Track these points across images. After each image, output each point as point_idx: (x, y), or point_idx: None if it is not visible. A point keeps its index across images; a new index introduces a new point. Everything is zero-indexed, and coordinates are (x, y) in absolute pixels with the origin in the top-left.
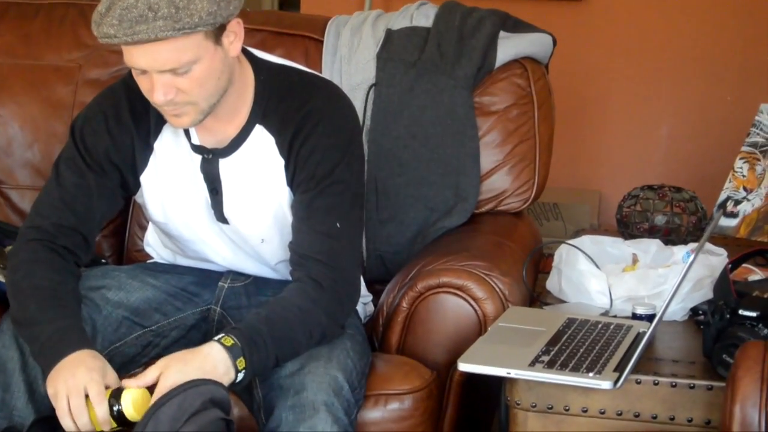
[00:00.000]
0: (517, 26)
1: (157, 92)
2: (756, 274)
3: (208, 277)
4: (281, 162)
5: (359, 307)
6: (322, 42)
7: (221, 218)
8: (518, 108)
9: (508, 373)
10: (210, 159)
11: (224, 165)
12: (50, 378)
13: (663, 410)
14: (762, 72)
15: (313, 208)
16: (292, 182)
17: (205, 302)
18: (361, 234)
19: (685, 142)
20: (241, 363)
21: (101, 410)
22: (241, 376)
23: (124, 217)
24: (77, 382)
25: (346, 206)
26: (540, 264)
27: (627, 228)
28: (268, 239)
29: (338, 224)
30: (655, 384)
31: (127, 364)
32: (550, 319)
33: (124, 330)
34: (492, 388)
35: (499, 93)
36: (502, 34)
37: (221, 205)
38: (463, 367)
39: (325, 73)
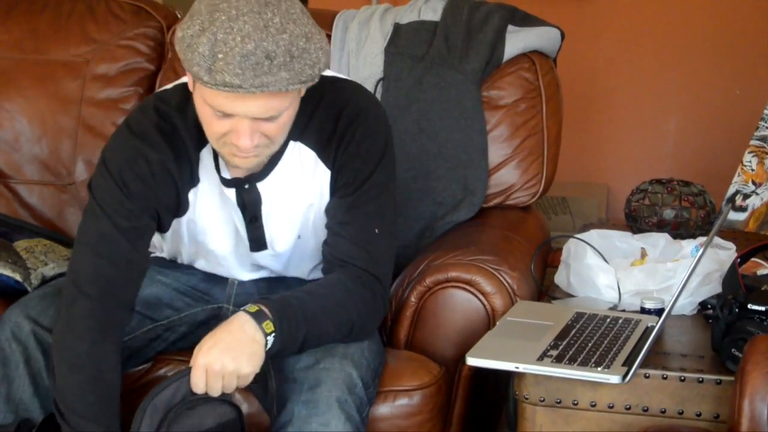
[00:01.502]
0: (525, 20)
1: (244, 138)
2: (765, 268)
3: (218, 274)
4: (328, 173)
5: None
6: (329, 36)
7: (259, 246)
8: (526, 102)
9: (517, 368)
10: (248, 188)
11: (264, 186)
12: None
13: (672, 404)
14: None
15: (353, 213)
16: (334, 189)
17: (216, 300)
18: (395, 237)
19: (693, 136)
20: (269, 326)
21: None
22: (270, 340)
23: None
24: None
25: (383, 210)
26: (548, 258)
27: (635, 222)
28: (304, 235)
29: (377, 230)
30: (664, 378)
31: (132, 357)
32: (558, 314)
33: (134, 324)
34: (500, 383)
35: (507, 87)
36: (510, 27)
37: (262, 231)
38: (472, 361)
39: (333, 68)
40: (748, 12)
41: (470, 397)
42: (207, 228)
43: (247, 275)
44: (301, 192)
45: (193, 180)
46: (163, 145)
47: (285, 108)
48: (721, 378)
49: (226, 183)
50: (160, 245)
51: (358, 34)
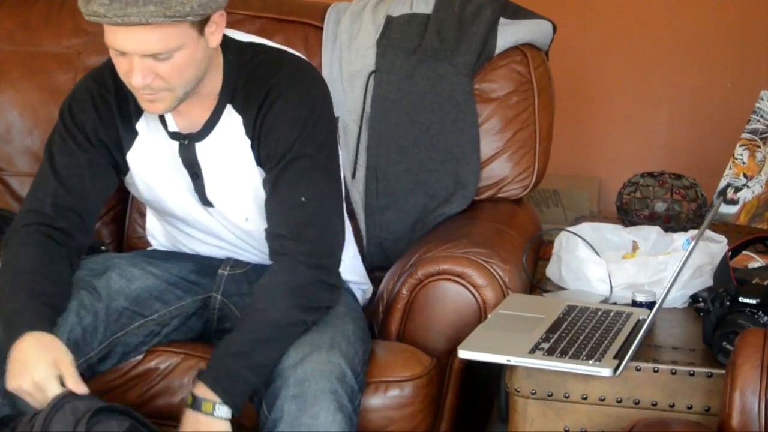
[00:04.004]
0: (517, 13)
1: (136, 75)
2: (756, 261)
3: (208, 265)
4: (248, 142)
5: (358, 293)
6: (321, 29)
7: (206, 202)
8: (518, 95)
9: (508, 361)
10: (187, 144)
11: (201, 148)
12: (9, 374)
13: (663, 397)
14: (762, 58)
15: (277, 185)
16: (259, 161)
17: (205, 290)
18: (336, 205)
19: (685, 129)
20: (207, 407)
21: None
22: (220, 411)
23: (124, 204)
24: (37, 383)
25: (310, 179)
26: (540, 251)
27: (627, 215)
28: (251, 218)
29: (303, 198)
30: (655, 371)
31: (129, 353)
32: (549, 306)
33: (124, 320)
34: (492, 375)
35: (499, 80)
36: (502, 20)
37: (203, 189)
38: (463, 354)
39: (325, 60)
40: (739, 4)
41: (462, 389)
42: (159, 180)
43: (227, 244)
44: (237, 158)
45: (132, 126)
46: (108, 79)
47: (173, 48)
48: (712, 371)
49: (171, 135)
50: (153, 233)
51: (350, 27)
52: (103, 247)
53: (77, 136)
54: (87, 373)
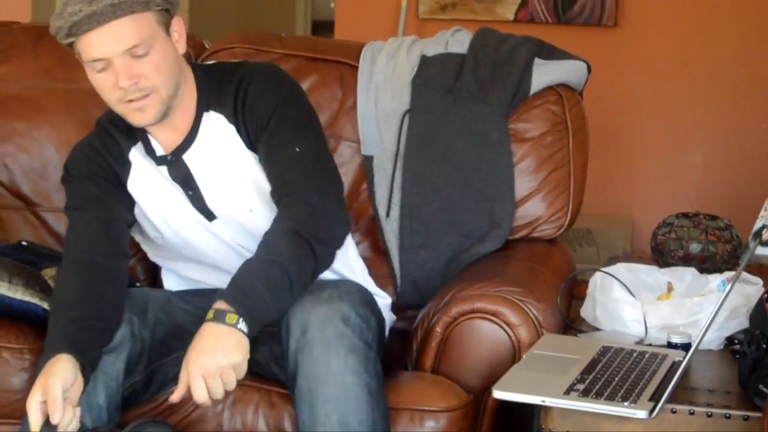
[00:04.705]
0: (552, 53)
1: (122, 77)
2: None
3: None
4: (232, 129)
5: (386, 313)
6: (357, 68)
7: (209, 215)
8: (553, 135)
9: (543, 401)
10: (175, 161)
11: (189, 157)
12: None
13: None
14: None
15: (271, 147)
16: (249, 143)
17: None
18: (330, 157)
19: (719, 169)
20: (231, 318)
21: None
22: (242, 326)
23: None
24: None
25: (299, 133)
26: (574, 290)
27: (662, 256)
28: (255, 208)
29: (297, 149)
30: (691, 414)
31: (167, 384)
32: (584, 347)
33: (164, 350)
34: (526, 415)
35: (534, 120)
36: (536, 61)
37: (203, 201)
38: (498, 394)
39: (360, 99)
40: None
41: (495, 429)
42: (161, 203)
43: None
44: (227, 149)
45: (124, 157)
46: (95, 135)
47: (147, 37)
48: (748, 414)
49: (158, 162)
50: (174, 283)
51: (386, 66)
52: (137, 284)
53: (78, 180)
54: (132, 399)
